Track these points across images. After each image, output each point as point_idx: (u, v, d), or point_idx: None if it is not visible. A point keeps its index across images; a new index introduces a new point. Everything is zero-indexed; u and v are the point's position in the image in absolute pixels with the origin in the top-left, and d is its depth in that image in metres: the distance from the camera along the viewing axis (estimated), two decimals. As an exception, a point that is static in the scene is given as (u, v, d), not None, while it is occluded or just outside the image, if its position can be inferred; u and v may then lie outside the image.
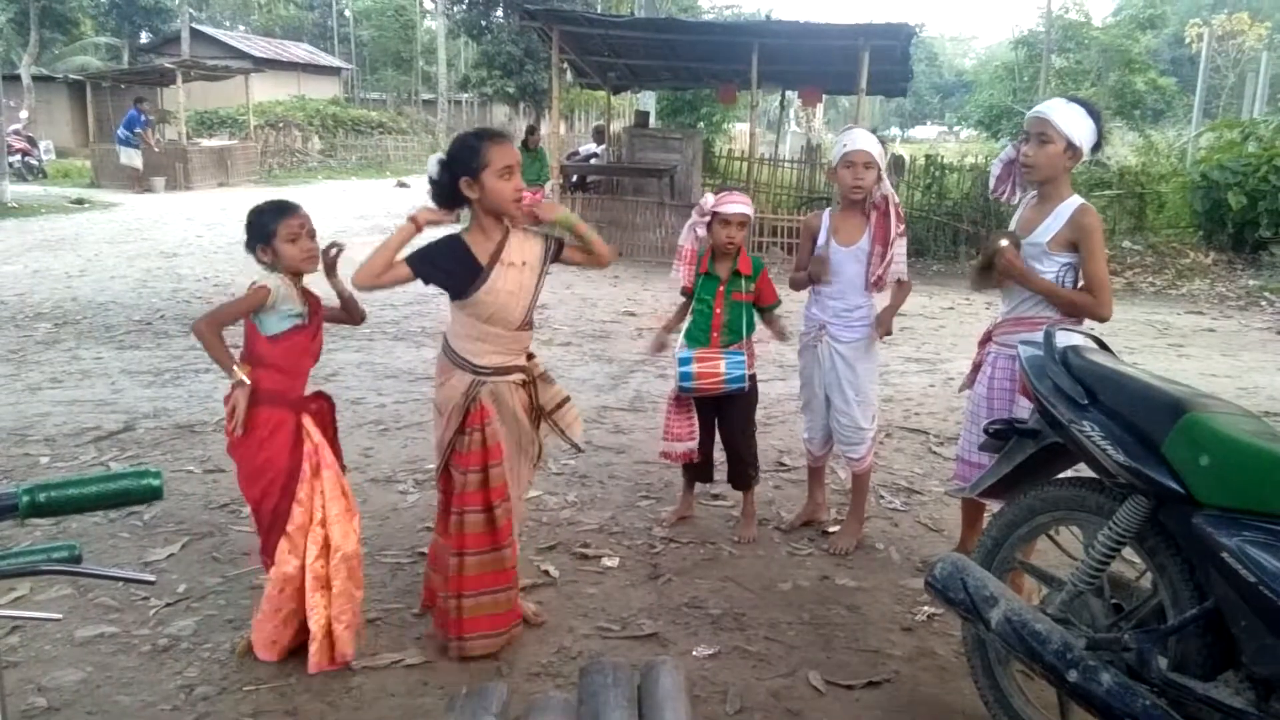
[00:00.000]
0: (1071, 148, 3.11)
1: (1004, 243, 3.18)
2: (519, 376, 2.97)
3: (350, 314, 3.15)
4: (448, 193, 2.83)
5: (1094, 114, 3.16)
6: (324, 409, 3.02)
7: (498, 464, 2.90)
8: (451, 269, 2.85)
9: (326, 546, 2.86)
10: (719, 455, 4.00)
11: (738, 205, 3.69)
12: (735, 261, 3.77)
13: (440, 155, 2.86)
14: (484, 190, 2.78)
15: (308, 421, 2.90)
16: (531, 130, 14.69)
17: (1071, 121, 3.10)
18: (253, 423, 2.79)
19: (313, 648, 2.85)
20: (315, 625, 2.84)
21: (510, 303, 2.87)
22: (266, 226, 2.83)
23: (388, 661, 2.95)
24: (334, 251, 3.03)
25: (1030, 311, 3.22)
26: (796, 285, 3.93)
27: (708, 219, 3.72)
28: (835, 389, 3.78)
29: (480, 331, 2.89)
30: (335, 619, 2.86)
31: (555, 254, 2.98)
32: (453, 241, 2.88)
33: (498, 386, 2.92)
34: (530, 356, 3.04)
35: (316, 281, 3.03)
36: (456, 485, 2.91)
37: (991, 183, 3.48)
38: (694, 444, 3.85)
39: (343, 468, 2.99)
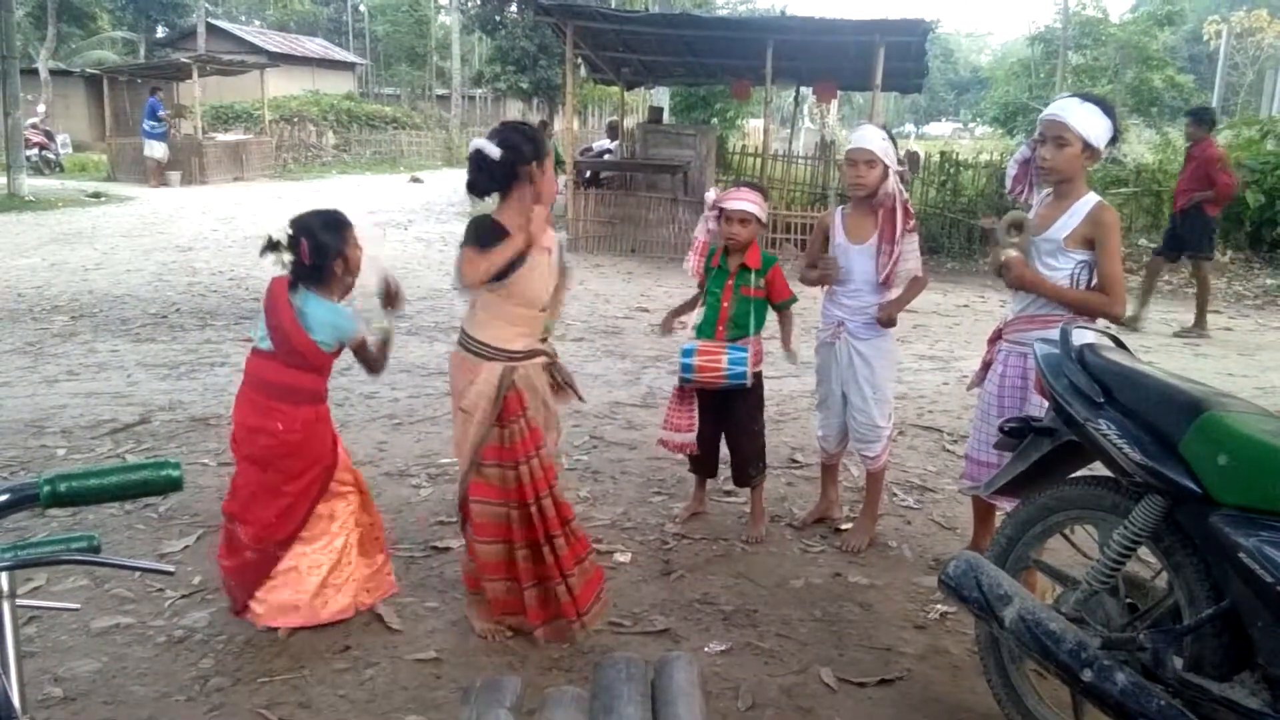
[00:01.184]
0: (1089, 148, 3.10)
1: (1012, 253, 3.16)
2: (544, 359, 3.04)
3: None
4: (502, 177, 2.87)
5: (1108, 111, 3.14)
6: None
7: (538, 451, 2.97)
8: (485, 241, 2.88)
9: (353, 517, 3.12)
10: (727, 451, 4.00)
11: (740, 202, 3.70)
12: (744, 256, 3.77)
13: (487, 140, 2.86)
14: (544, 175, 2.91)
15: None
16: (544, 125, 14.71)
17: (1088, 122, 3.08)
18: (306, 423, 2.93)
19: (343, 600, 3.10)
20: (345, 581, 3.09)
21: (541, 286, 2.97)
22: (345, 239, 2.95)
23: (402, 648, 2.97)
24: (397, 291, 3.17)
25: (1042, 310, 3.20)
26: (806, 281, 3.95)
27: (716, 213, 3.74)
28: (853, 386, 3.78)
29: (513, 315, 2.94)
30: (365, 590, 3.16)
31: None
32: (492, 223, 2.90)
33: (529, 370, 2.97)
34: (545, 339, 3.11)
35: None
36: (512, 480, 2.94)
37: (1008, 183, 3.47)
38: (692, 435, 3.86)
39: None
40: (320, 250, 2.88)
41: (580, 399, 3.37)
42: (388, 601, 3.22)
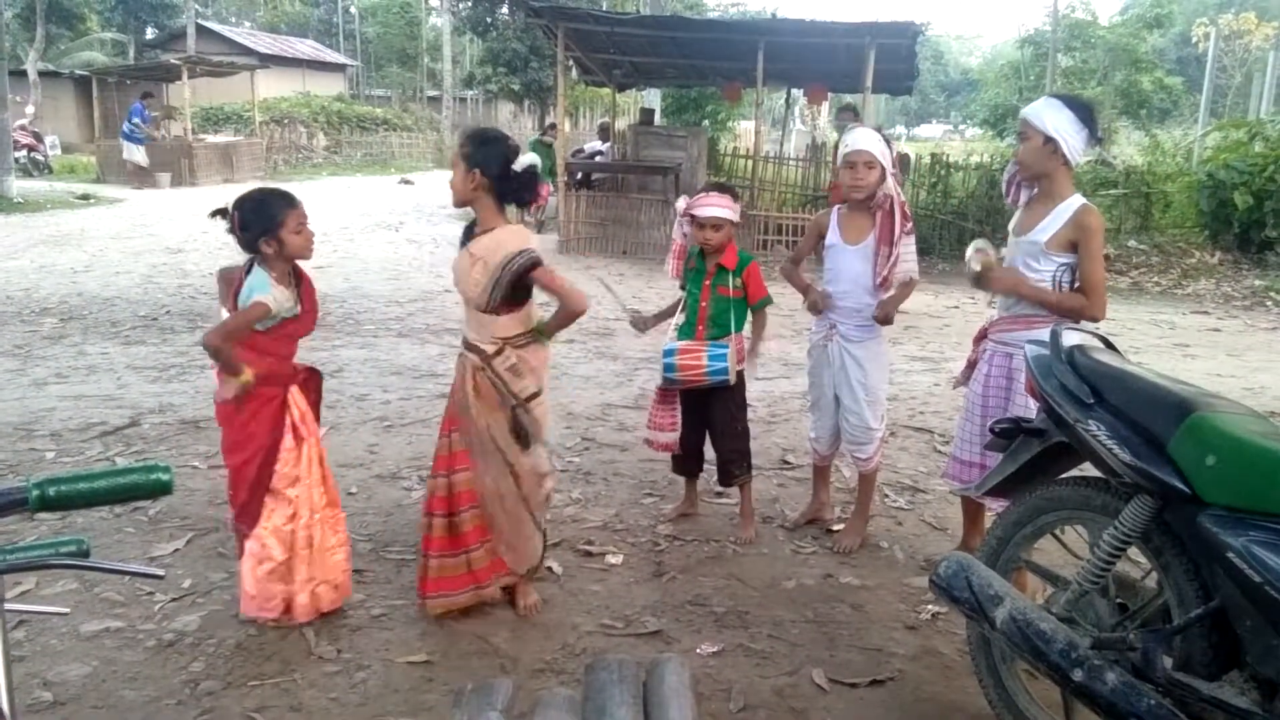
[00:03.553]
0: (1050, 140, 3.11)
1: (986, 260, 3.24)
2: (475, 358, 3.09)
3: None
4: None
5: (1076, 107, 3.16)
6: (311, 379, 3.17)
7: (444, 435, 3.15)
8: (463, 239, 3.21)
9: (310, 510, 3.06)
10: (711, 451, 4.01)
11: (710, 208, 3.71)
12: (720, 256, 3.79)
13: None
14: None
15: (295, 393, 3.05)
16: (551, 126, 14.89)
17: (1045, 115, 3.12)
18: (244, 398, 2.97)
19: (301, 599, 3.03)
20: (300, 580, 3.02)
21: (461, 281, 3.11)
22: (275, 218, 2.92)
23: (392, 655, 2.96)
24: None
25: (1028, 310, 3.23)
26: (787, 276, 3.97)
27: (688, 218, 3.79)
28: (845, 388, 3.78)
29: (462, 301, 3.18)
30: (313, 577, 3.06)
31: (523, 269, 2.99)
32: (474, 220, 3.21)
33: (464, 360, 3.14)
34: (501, 350, 3.05)
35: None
36: (443, 449, 3.19)
37: (1003, 188, 3.51)
38: (675, 435, 3.88)
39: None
40: (245, 224, 2.92)
41: (525, 446, 3.12)
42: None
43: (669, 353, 3.73)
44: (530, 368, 3.11)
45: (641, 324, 4.04)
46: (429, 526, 3.14)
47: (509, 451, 3.10)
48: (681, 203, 3.86)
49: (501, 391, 3.06)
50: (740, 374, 3.82)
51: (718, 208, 3.72)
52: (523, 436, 3.11)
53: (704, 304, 3.81)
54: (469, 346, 3.12)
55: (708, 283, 3.80)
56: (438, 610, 3.15)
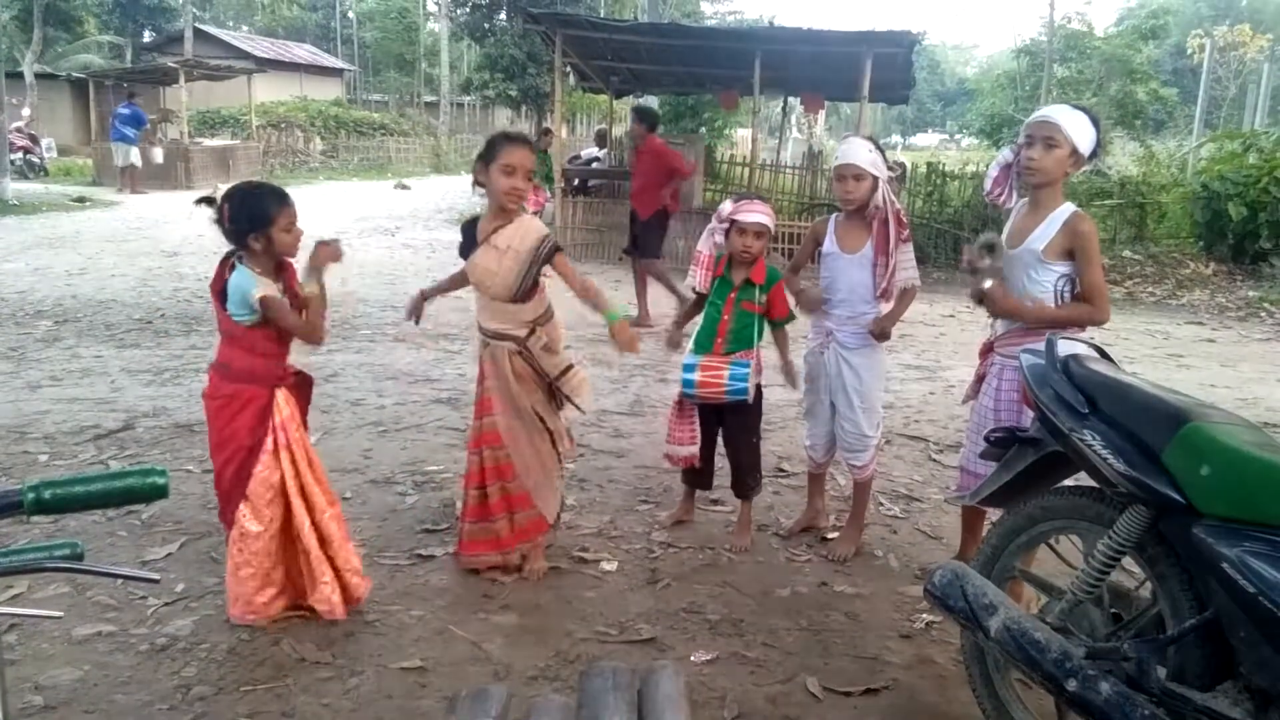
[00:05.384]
0: (1076, 153, 3.13)
1: (988, 284, 3.15)
2: (512, 345, 3.36)
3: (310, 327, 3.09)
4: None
5: (1095, 122, 3.17)
6: (302, 382, 3.17)
7: (489, 416, 3.41)
8: (463, 241, 3.45)
9: (310, 509, 3.07)
10: (721, 463, 4.00)
11: (755, 215, 3.67)
12: (750, 270, 3.75)
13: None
14: (488, 178, 3.27)
15: (280, 395, 3.03)
16: (546, 131, 14.79)
17: (1078, 128, 3.12)
18: (224, 397, 2.99)
19: (335, 597, 3.10)
20: (329, 577, 3.09)
21: (486, 278, 3.32)
22: (267, 213, 2.91)
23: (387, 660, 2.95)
24: (332, 247, 3.09)
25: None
26: (787, 284, 3.95)
27: (726, 225, 3.71)
28: (841, 396, 3.78)
29: (478, 297, 3.42)
30: (342, 570, 3.14)
31: (548, 256, 3.34)
32: (473, 220, 3.47)
33: (495, 349, 3.39)
34: (533, 331, 3.39)
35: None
36: (474, 430, 3.50)
37: (987, 184, 3.40)
38: (695, 449, 3.84)
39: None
40: (235, 218, 2.91)
41: (579, 409, 3.56)
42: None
43: (689, 368, 3.69)
44: (556, 340, 3.43)
45: (676, 340, 4.00)
46: (465, 498, 3.50)
47: (549, 420, 3.45)
48: (728, 206, 3.74)
49: (538, 370, 3.39)
50: (759, 387, 3.79)
51: (762, 215, 3.67)
52: (561, 404, 3.49)
53: (725, 317, 3.75)
54: (498, 336, 3.36)
55: (732, 295, 3.75)
56: (470, 566, 3.51)
